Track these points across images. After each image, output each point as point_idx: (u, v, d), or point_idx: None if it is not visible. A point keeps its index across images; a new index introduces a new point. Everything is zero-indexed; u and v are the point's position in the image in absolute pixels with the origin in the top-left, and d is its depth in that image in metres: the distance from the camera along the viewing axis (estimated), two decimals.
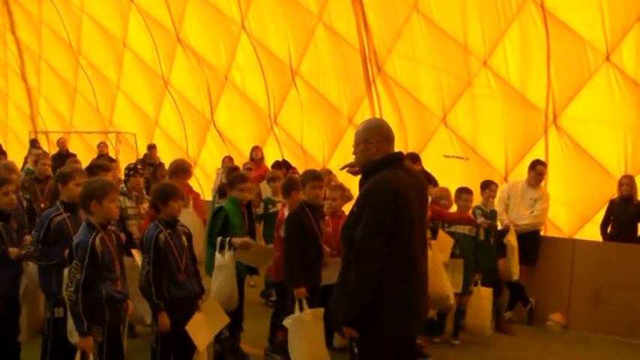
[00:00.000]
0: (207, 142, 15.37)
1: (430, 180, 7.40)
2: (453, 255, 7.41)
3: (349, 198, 7.50)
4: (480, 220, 7.67)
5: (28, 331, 5.56)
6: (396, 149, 4.25)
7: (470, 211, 7.76)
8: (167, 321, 5.02)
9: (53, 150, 16.22)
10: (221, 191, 8.76)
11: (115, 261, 4.65)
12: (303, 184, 6.36)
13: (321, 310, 5.80)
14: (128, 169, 7.62)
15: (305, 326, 5.84)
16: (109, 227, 4.72)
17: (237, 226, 6.46)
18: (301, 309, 5.92)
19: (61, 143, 15.77)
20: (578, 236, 9.33)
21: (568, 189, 9.53)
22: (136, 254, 6.15)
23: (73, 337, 4.73)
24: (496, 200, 8.54)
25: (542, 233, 9.06)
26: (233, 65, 14.13)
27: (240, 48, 13.81)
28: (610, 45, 8.85)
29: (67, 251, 4.83)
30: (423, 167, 8.42)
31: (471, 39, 10.20)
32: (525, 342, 8.00)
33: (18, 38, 19.52)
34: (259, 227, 8.47)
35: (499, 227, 8.39)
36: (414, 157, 8.39)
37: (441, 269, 6.76)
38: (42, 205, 7.71)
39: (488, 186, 8.30)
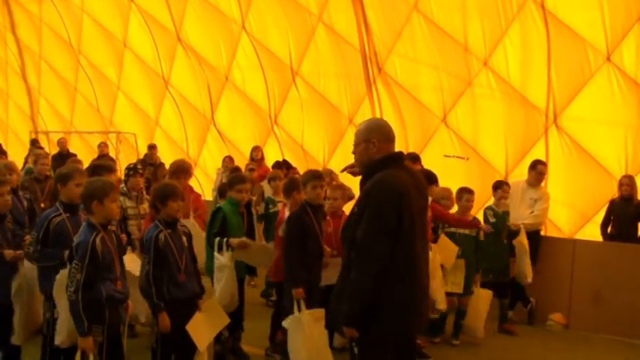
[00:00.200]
0: (207, 142, 15.37)
1: (432, 179, 7.36)
2: None
3: (350, 197, 7.50)
4: (482, 225, 7.63)
5: (23, 333, 5.49)
6: (397, 149, 4.25)
7: (470, 212, 7.76)
8: (167, 321, 5.02)
9: (53, 150, 16.22)
10: (221, 191, 8.77)
11: (116, 261, 4.65)
12: (304, 184, 6.36)
13: (320, 311, 5.80)
14: (128, 169, 7.62)
15: (304, 327, 5.83)
16: (109, 227, 4.72)
17: (236, 227, 6.45)
18: (299, 309, 5.92)
19: (61, 143, 15.77)
20: (579, 236, 9.33)
21: (568, 189, 9.53)
22: (129, 257, 6.11)
23: (58, 339, 4.75)
24: (516, 201, 8.51)
25: (542, 233, 9.06)
26: (233, 65, 14.13)
27: (241, 48, 13.81)
28: (610, 45, 8.85)
29: (66, 252, 4.83)
30: (422, 167, 8.41)
31: (472, 39, 10.20)
32: (526, 342, 7.99)
33: (18, 38, 19.53)
34: (260, 227, 8.48)
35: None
36: (414, 157, 8.39)
37: (436, 272, 6.74)
38: (42, 205, 7.69)
39: (500, 186, 8.27)
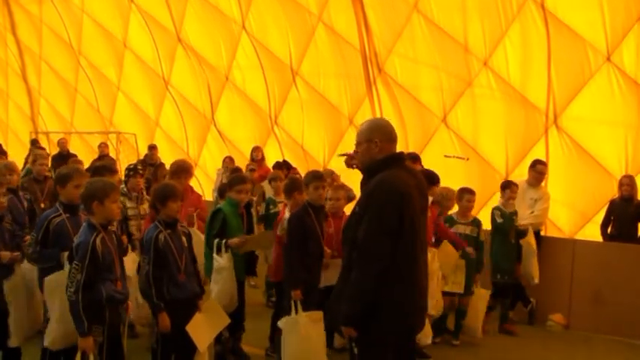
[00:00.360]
0: (207, 143, 15.37)
1: (434, 180, 7.34)
2: None
3: (351, 198, 7.49)
4: (468, 249, 7.58)
5: (20, 334, 5.47)
6: (397, 149, 4.25)
7: (471, 212, 7.76)
8: (168, 321, 5.02)
9: (54, 150, 16.21)
10: (221, 192, 8.75)
11: (116, 261, 4.65)
12: (306, 185, 6.35)
13: (318, 313, 5.78)
14: (128, 169, 7.62)
15: (299, 328, 5.82)
16: (109, 228, 4.72)
17: (235, 228, 6.45)
18: (296, 311, 5.92)
19: (61, 144, 15.76)
20: (579, 236, 9.33)
21: (568, 189, 9.53)
22: (131, 258, 6.11)
23: (46, 340, 4.75)
24: (516, 201, 8.50)
25: (542, 233, 9.06)
26: (234, 65, 14.13)
27: (241, 48, 13.81)
28: (610, 45, 8.85)
29: (64, 253, 4.83)
30: (423, 167, 8.41)
31: (472, 39, 10.20)
32: (526, 342, 7.99)
33: (18, 39, 19.53)
34: (261, 228, 8.49)
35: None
36: (414, 157, 8.38)
37: (433, 275, 6.70)
38: (42, 206, 7.69)
39: (509, 186, 8.24)
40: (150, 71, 15.97)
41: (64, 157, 13.49)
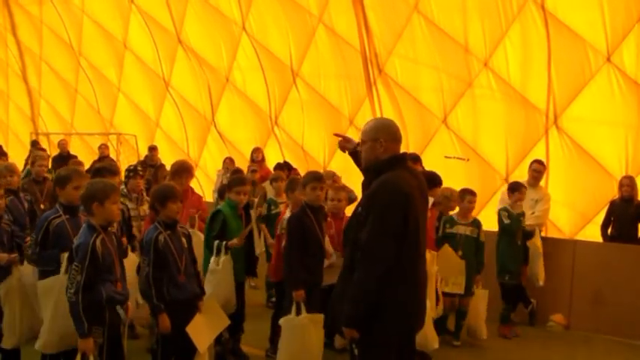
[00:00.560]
0: (208, 144, 15.37)
1: (436, 181, 7.29)
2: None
3: (352, 199, 7.50)
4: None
5: (10, 336, 5.42)
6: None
7: (472, 213, 7.75)
8: (168, 322, 5.01)
9: (54, 151, 16.21)
10: (221, 193, 8.76)
11: (116, 262, 4.64)
12: (304, 186, 6.34)
13: (319, 316, 5.78)
14: (128, 170, 7.62)
15: (300, 329, 5.81)
16: (109, 229, 4.71)
17: (235, 230, 6.43)
18: (298, 312, 5.90)
19: (61, 145, 15.77)
20: (579, 237, 9.33)
21: (569, 190, 9.53)
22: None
23: (37, 343, 4.75)
24: (524, 203, 8.46)
25: (543, 234, 9.05)
26: (234, 66, 14.14)
27: (241, 49, 13.81)
28: (611, 46, 8.85)
29: (63, 255, 4.83)
30: (424, 168, 8.40)
31: (472, 40, 10.20)
32: (526, 342, 7.99)
33: (19, 39, 19.54)
34: (263, 228, 8.49)
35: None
36: (415, 158, 8.36)
37: (431, 279, 6.68)
38: (42, 207, 7.69)
39: (518, 189, 8.17)
40: (150, 72, 15.98)
41: (64, 158, 13.49)
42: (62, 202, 5.24)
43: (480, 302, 7.62)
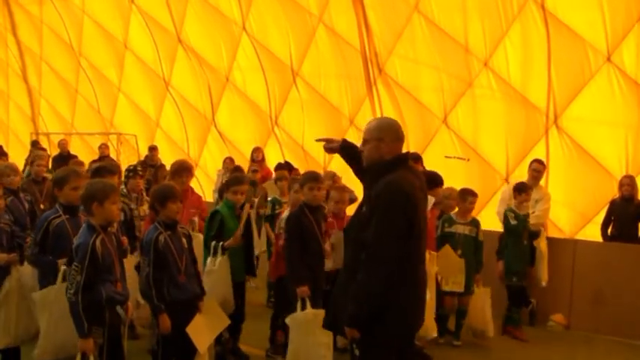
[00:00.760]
0: (208, 143, 15.37)
1: (437, 181, 7.28)
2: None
3: (353, 200, 7.50)
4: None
5: (5, 336, 5.41)
6: None
7: (471, 213, 7.75)
8: (168, 323, 5.01)
9: (54, 151, 16.22)
10: (222, 192, 8.76)
11: (116, 263, 4.63)
12: (301, 186, 6.34)
13: (322, 311, 5.78)
14: (128, 170, 7.61)
15: (306, 325, 5.80)
16: (109, 229, 4.71)
17: (232, 230, 6.40)
18: (304, 308, 5.89)
19: (62, 145, 15.76)
20: (579, 237, 9.34)
21: (569, 189, 9.53)
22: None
23: (35, 353, 4.77)
24: (529, 203, 8.44)
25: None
26: (234, 66, 14.14)
27: (241, 49, 13.82)
28: (611, 45, 8.85)
29: (60, 262, 4.85)
30: (425, 168, 8.39)
31: (472, 39, 10.20)
32: (526, 342, 7.98)
33: (19, 39, 19.54)
34: (267, 228, 8.49)
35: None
36: (416, 158, 8.36)
37: (431, 281, 6.68)
38: (42, 207, 7.69)
39: (525, 190, 8.11)
40: (150, 72, 15.98)
41: (64, 158, 13.49)
42: (62, 202, 5.24)
43: (484, 300, 7.61)
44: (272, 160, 12.40)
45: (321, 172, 9.07)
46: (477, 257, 7.59)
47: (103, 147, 15.39)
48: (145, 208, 7.26)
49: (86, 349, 4.38)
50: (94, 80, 17.75)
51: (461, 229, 7.57)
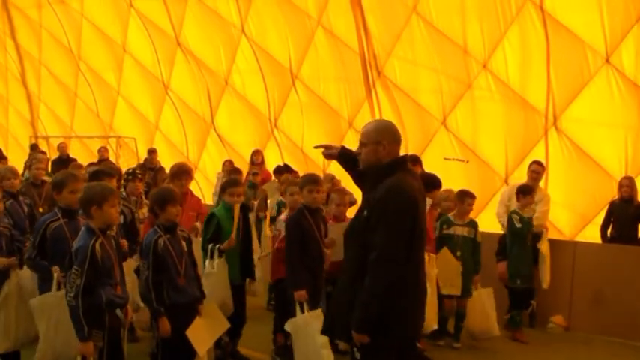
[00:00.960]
0: (207, 146, 15.37)
1: (436, 183, 7.28)
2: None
3: (352, 203, 7.51)
4: None
5: (5, 340, 5.40)
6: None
7: (469, 215, 7.75)
8: (168, 326, 5.01)
9: (54, 155, 16.22)
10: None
11: (115, 266, 4.63)
12: (301, 188, 6.34)
13: (318, 311, 5.77)
14: (127, 174, 7.61)
15: (304, 329, 5.80)
16: (108, 232, 4.71)
17: (229, 232, 6.40)
18: (302, 311, 5.89)
19: (61, 148, 15.78)
20: (579, 238, 9.34)
21: (568, 191, 9.53)
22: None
23: (35, 358, 4.76)
24: (536, 204, 8.44)
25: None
26: (233, 69, 14.14)
27: (240, 52, 13.82)
28: (609, 47, 8.86)
29: (55, 269, 4.86)
30: (424, 170, 8.39)
31: (471, 41, 10.21)
32: (526, 344, 7.97)
33: (18, 43, 19.53)
34: (272, 230, 8.48)
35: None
36: (415, 160, 8.36)
37: (431, 283, 6.67)
38: (40, 210, 7.69)
39: (529, 193, 8.09)
40: (149, 75, 15.99)
41: (64, 161, 13.50)
42: (61, 205, 5.24)
43: (484, 301, 7.59)
44: (271, 163, 12.39)
45: (321, 174, 9.08)
46: (475, 258, 7.59)
47: (103, 150, 15.39)
48: (144, 212, 7.26)
49: (86, 353, 4.39)
50: (93, 84, 17.75)
51: (459, 230, 7.57)
